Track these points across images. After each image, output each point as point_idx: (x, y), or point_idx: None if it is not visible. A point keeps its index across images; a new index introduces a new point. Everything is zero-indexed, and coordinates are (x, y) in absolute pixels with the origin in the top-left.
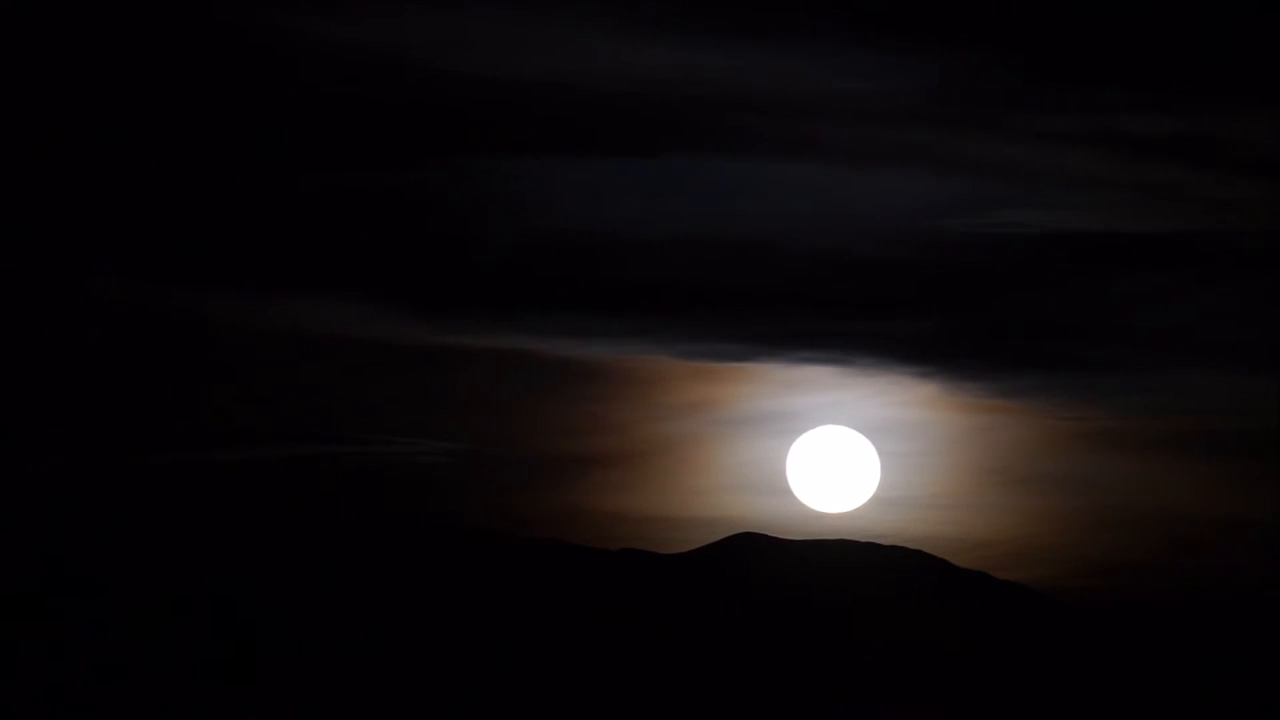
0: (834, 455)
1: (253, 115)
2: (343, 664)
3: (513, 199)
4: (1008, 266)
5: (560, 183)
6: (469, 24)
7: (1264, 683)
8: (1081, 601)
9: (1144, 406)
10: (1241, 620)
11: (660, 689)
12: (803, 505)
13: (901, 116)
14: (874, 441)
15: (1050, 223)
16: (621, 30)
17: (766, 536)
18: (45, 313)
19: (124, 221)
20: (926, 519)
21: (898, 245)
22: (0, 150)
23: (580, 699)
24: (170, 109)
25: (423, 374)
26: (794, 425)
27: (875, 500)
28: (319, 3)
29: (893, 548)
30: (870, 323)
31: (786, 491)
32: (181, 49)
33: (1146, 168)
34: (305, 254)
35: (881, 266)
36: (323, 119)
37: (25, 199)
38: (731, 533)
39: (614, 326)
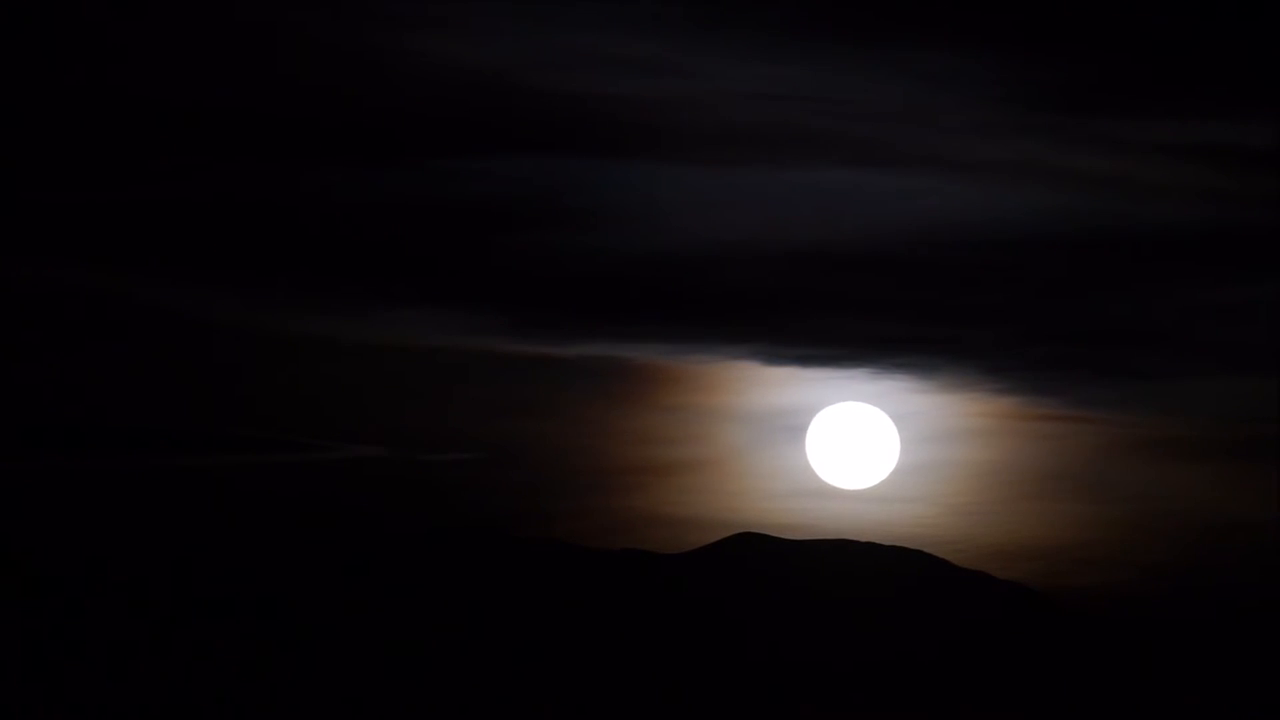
0: (855, 430)
1: (350, 129)
2: (350, 662)
3: (629, 210)
4: (1106, 276)
5: (679, 194)
6: (576, 45)
7: (1264, 684)
8: (1082, 601)
9: (1227, 414)
10: (1258, 623)
11: (659, 687)
12: (820, 500)
13: (1014, 128)
14: (939, 451)
15: (1150, 233)
16: (742, 47)
17: (767, 536)
18: (117, 322)
19: (222, 233)
20: (964, 524)
21: (1000, 253)
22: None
23: (580, 696)
24: (269, 119)
25: (510, 382)
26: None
27: (914, 501)
28: (437, 25)
29: (892, 547)
30: (961, 329)
31: (816, 491)
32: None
33: (1250, 179)
34: (402, 266)
35: (981, 274)
36: (426, 134)
37: (87, 201)
38: (734, 532)
39: (708, 333)
